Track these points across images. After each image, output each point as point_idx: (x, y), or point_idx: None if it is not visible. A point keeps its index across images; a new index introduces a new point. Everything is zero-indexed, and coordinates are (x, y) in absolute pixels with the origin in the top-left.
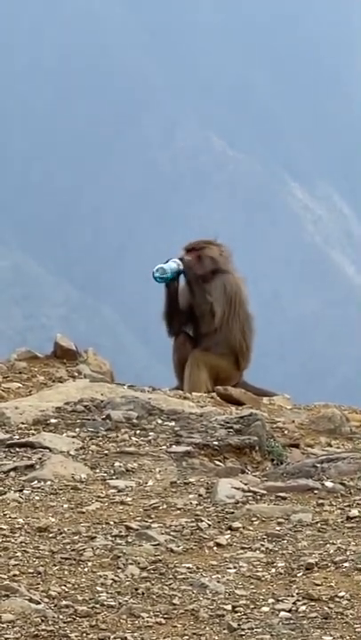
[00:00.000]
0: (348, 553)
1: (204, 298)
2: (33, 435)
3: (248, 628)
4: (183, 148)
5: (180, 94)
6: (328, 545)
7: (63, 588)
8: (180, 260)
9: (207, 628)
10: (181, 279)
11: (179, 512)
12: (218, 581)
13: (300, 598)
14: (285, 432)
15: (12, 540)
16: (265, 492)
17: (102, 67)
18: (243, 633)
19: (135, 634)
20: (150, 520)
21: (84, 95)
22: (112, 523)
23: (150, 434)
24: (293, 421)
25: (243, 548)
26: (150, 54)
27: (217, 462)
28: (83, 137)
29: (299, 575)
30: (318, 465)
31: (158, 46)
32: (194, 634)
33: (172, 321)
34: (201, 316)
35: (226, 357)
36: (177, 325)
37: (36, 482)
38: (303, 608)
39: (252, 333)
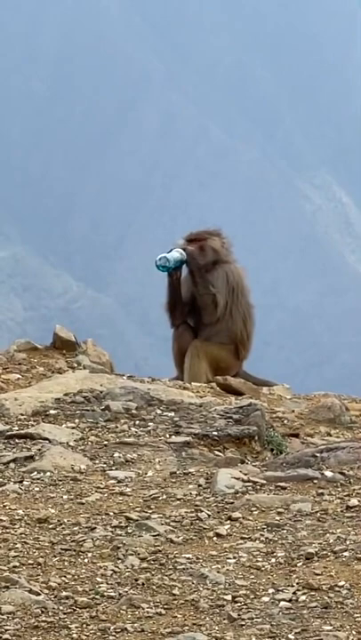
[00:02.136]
0: (347, 542)
1: (207, 288)
2: (32, 426)
3: (248, 618)
4: (182, 138)
5: (179, 84)
6: (328, 534)
7: (63, 579)
8: (183, 249)
9: (207, 619)
10: (183, 269)
11: (178, 502)
12: (218, 572)
13: (300, 588)
14: (285, 422)
15: (12, 532)
16: (265, 481)
17: (101, 57)
18: (243, 623)
19: (135, 624)
20: (150, 511)
21: (82, 86)
22: (112, 513)
23: (150, 424)
24: (293, 411)
25: (242, 538)
26: (149, 44)
27: (216, 452)
28: (82, 128)
29: (299, 565)
30: (318, 454)
31: (157, 36)
32: (194, 624)
33: (174, 311)
34: (204, 306)
35: (226, 347)
36: (179, 316)
37: (35, 473)
38: (303, 598)
39: (253, 323)
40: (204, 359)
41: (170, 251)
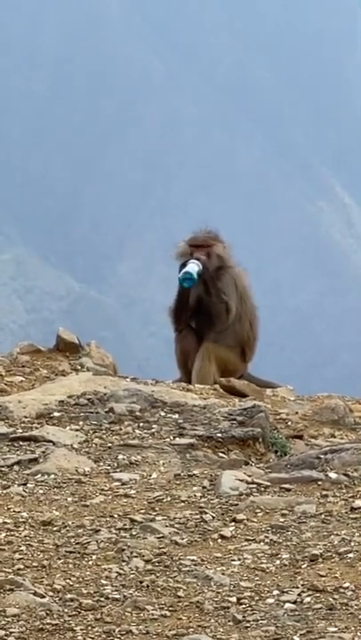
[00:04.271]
0: (352, 544)
1: (220, 297)
2: (36, 428)
3: (253, 620)
4: (182, 138)
5: (179, 84)
6: (332, 536)
7: (68, 581)
8: (197, 259)
9: (212, 621)
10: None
11: (183, 504)
12: (222, 573)
13: (305, 590)
14: (289, 423)
15: (17, 534)
16: (269, 483)
17: (101, 57)
18: (248, 625)
19: (140, 627)
20: (154, 513)
21: (82, 86)
22: (116, 516)
23: (154, 426)
24: (297, 413)
25: (247, 540)
26: (149, 44)
27: (221, 454)
28: (83, 128)
29: (303, 566)
30: (322, 456)
31: (157, 36)
32: (199, 626)
33: (180, 316)
34: (216, 314)
35: (234, 350)
36: (184, 320)
37: (39, 475)
38: (308, 599)
39: (258, 324)
40: (213, 361)
41: (185, 263)
